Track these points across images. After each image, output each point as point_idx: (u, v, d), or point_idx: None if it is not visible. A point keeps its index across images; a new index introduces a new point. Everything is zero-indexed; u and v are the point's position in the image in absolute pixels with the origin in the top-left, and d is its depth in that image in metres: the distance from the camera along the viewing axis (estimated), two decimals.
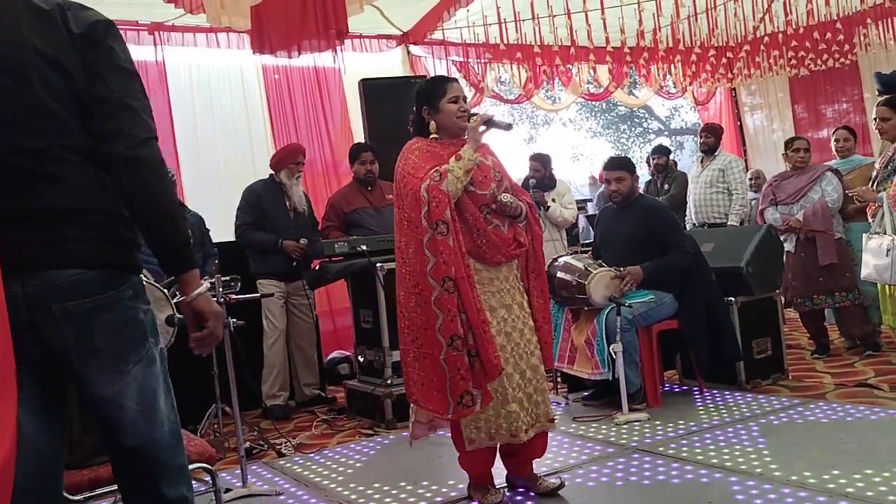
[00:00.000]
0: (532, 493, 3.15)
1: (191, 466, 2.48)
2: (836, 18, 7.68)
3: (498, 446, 3.10)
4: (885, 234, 4.01)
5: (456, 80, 3.22)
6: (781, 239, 5.32)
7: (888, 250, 3.93)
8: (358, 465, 3.85)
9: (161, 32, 6.33)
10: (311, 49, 5.12)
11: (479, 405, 2.85)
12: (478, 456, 3.05)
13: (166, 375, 1.83)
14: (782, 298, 5.10)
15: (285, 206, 5.25)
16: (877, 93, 4.75)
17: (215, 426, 4.39)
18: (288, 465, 3.98)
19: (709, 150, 6.68)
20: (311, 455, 4.12)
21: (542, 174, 6.35)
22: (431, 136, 3.08)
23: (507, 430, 2.96)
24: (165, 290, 3.26)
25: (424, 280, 2.84)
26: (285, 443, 4.32)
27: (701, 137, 6.85)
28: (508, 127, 3.09)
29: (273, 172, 5.31)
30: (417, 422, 3.12)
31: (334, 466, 3.85)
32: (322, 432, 4.70)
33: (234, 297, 3.48)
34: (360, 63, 7.31)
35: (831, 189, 5.19)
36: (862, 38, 8.07)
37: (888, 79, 4.39)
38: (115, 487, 2.26)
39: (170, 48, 6.41)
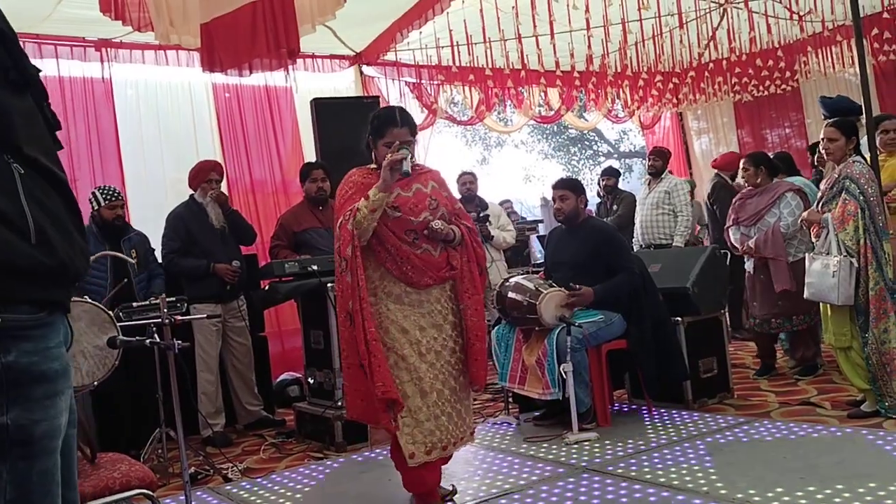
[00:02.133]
0: None
1: (131, 493, 2.43)
2: (777, 46, 7.92)
3: None
4: (828, 254, 4.06)
5: (401, 122, 3.17)
6: (744, 259, 5.39)
7: (834, 271, 3.98)
8: (306, 489, 3.78)
9: (108, 49, 6.23)
10: (262, 68, 5.08)
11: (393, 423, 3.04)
12: (420, 474, 3.14)
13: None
14: (728, 318, 5.17)
15: (213, 227, 5.12)
16: (822, 117, 4.89)
17: (159, 451, 4.28)
18: (234, 490, 3.89)
19: (656, 173, 6.81)
20: (259, 480, 4.04)
21: (475, 188, 6.43)
22: (372, 167, 3.25)
23: (440, 443, 3.11)
24: (109, 312, 3.19)
25: (345, 305, 3.06)
26: (232, 467, 4.23)
27: (649, 160, 6.98)
28: (406, 174, 3.08)
29: (193, 193, 5.20)
30: (374, 429, 3.34)
31: (282, 491, 3.78)
32: (270, 456, 4.61)
33: (179, 318, 3.40)
34: (313, 83, 7.29)
35: (787, 212, 5.15)
36: (802, 66, 8.36)
37: (832, 104, 4.50)
38: None
39: (117, 65, 6.32)
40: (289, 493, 3.72)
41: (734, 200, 5.64)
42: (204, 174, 5.17)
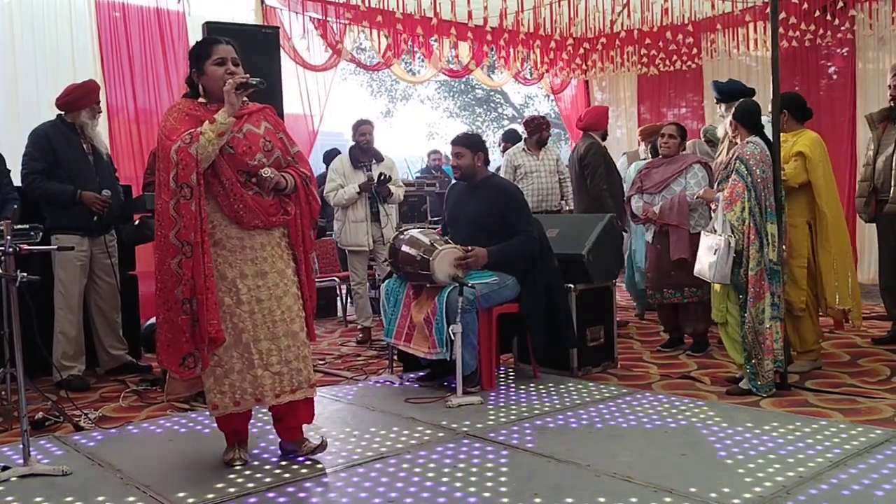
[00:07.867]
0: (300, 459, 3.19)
1: None
2: (688, 21, 7.94)
3: (273, 413, 3.20)
4: (714, 233, 4.11)
5: (226, 41, 3.10)
6: (643, 228, 5.35)
7: (715, 249, 4.02)
8: (165, 443, 3.49)
9: None
10: None
11: (198, 368, 2.95)
12: (225, 419, 3.13)
13: None
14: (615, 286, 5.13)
15: (82, 151, 4.71)
16: (715, 101, 4.86)
17: (2, 393, 3.87)
18: (83, 440, 3.55)
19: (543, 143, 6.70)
20: (113, 431, 3.71)
21: (370, 140, 6.07)
22: (200, 99, 3.07)
23: (251, 395, 3.03)
24: None
25: (170, 243, 2.87)
26: (84, 415, 3.88)
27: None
28: (262, 83, 3.00)
29: (62, 113, 4.73)
30: (173, 378, 3.12)
31: (137, 445, 3.47)
32: (130, 405, 4.27)
33: (25, 247, 3.00)
34: (207, 8, 6.83)
35: (694, 182, 5.12)
36: (710, 44, 8.43)
37: (724, 86, 4.50)
38: None
39: None
40: (143, 448, 3.42)
41: (640, 170, 5.57)
42: (96, 95, 4.75)
